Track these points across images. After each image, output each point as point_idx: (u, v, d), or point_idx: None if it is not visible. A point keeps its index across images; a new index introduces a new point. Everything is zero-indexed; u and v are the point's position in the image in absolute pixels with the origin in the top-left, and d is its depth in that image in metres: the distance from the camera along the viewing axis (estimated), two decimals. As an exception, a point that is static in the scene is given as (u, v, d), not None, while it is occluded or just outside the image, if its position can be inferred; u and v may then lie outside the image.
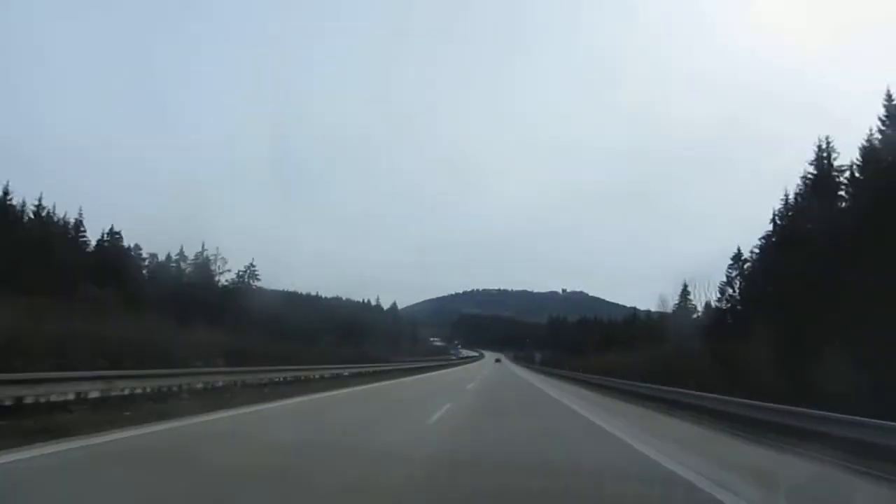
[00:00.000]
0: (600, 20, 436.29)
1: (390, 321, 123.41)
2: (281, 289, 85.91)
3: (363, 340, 72.69)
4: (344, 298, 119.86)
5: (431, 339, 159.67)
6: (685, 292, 66.10)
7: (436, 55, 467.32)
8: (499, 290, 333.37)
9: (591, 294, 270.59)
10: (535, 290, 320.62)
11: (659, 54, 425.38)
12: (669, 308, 75.12)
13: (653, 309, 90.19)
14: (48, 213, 46.10)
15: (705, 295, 64.18)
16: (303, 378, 25.98)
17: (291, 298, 64.70)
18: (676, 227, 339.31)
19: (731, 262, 46.72)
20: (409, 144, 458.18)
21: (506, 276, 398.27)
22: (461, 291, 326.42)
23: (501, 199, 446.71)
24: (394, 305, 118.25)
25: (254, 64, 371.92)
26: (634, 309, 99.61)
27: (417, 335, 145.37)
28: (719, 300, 47.67)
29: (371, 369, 39.48)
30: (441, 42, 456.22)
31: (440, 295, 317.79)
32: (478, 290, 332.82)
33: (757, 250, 36.54)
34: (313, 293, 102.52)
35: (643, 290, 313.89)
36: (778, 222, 32.97)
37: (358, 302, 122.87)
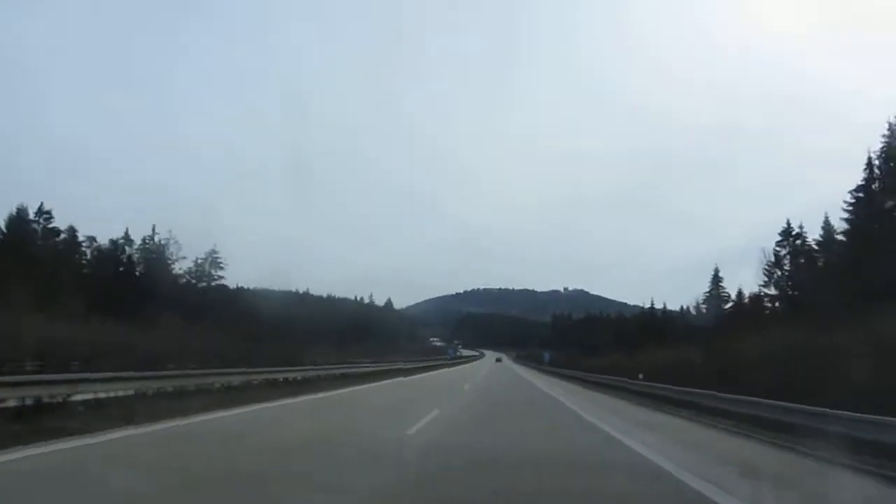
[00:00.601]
0: (596, 23, 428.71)
1: (388, 320, 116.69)
2: (270, 288, 79.87)
3: (354, 340, 65.89)
4: (337, 297, 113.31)
5: (431, 339, 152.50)
6: (717, 279, 58.99)
7: (436, 57, 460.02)
8: (501, 289, 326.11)
9: (591, 292, 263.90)
10: (538, 289, 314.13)
11: (657, 56, 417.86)
12: (697, 300, 68.27)
13: (674, 304, 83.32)
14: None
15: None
16: (268, 381, 21.40)
17: (269, 296, 57.33)
18: (674, 225, 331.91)
19: (779, 237, 39.70)
20: (412, 146, 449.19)
21: (508, 275, 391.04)
22: (463, 291, 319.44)
23: (503, 198, 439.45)
24: (389, 303, 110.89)
25: (257, 66, 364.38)
26: (649, 307, 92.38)
27: (416, 334, 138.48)
28: (765, 283, 40.95)
29: (357, 370, 33.50)
30: (442, 46, 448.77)
31: (442, 294, 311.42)
32: (480, 290, 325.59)
33: (848, 208, 28.91)
34: (302, 291, 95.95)
35: (642, 287, 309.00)
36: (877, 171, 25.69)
37: (352, 300, 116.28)
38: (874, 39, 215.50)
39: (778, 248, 38.57)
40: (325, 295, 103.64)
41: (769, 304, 38.00)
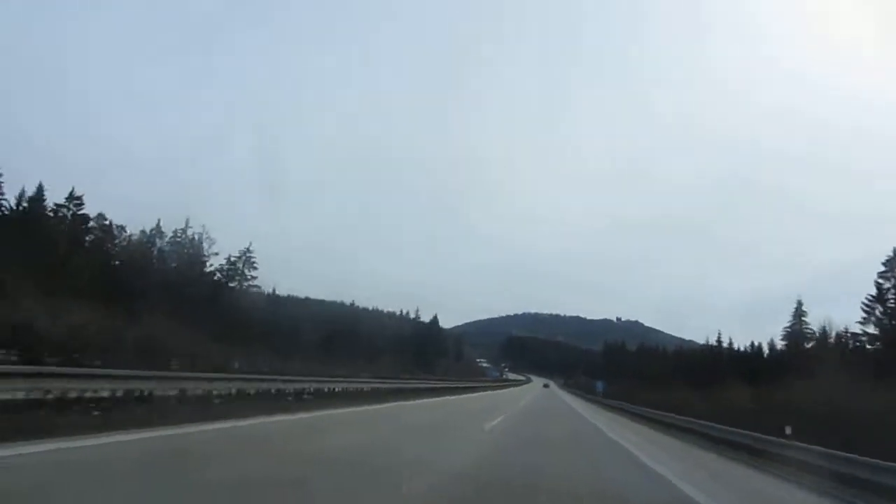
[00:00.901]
0: (662, 45, 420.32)
1: (433, 337, 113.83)
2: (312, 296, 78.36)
3: (390, 353, 63.23)
4: (385, 311, 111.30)
5: (478, 360, 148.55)
6: (800, 313, 53.05)
7: (489, 76, 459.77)
8: (551, 314, 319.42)
9: (646, 324, 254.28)
10: (589, 317, 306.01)
11: (730, 79, 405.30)
12: (773, 337, 62.03)
13: (741, 342, 77.32)
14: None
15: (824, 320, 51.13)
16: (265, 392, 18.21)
17: (305, 304, 55.25)
18: (735, 260, 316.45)
19: (883, 268, 34.45)
20: (462, 166, 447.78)
21: (559, 300, 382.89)
22: (513, 314, 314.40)
23: (557, 223, 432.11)
24: (435, 320, 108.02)
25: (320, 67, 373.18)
26: (714, 342, 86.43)
27: (462, 354, 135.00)
28: (864, 320, 35.65)
29: (387, 386, 30.74)
30: (495, 65, 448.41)
31: (491, 316, 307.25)
32: (530, 314, 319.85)
33: None
34: (348, 302, 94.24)
35: (703, 322, 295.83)
36: None
37: (397, 315, 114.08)
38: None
39: (881, 280, 33.70)
40: (371, 307, 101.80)
41: (867, 344, 33.14)
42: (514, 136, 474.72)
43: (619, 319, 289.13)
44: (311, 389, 20.45)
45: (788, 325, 52.93)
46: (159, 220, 43.26)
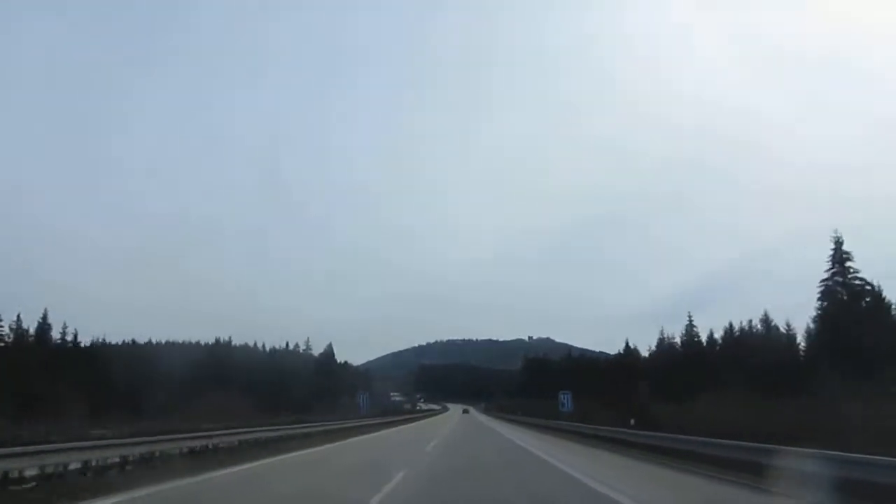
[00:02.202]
0: (564, 61, 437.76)
1: (334, 374, 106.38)
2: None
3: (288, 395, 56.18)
4: (292, 348, 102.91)
5: (392, 393, 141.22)
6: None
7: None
8: (463, 339, 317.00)
9: (557, 340, 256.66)
10: (501, 339, 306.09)
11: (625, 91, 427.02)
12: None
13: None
14: None
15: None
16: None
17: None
18: (635, 272, 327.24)
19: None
20: (358, 200, 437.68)
21: (469, 326, 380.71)
22: (425, 343, 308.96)
23: (461, 251, 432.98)
24: (331, 352, 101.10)
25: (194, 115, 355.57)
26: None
27: (371, 388, 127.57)
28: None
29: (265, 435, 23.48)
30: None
31: (403, 348, 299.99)
32: (441, 342, 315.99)
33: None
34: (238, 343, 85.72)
35: (607, 334, 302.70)
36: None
37: (299, 353, 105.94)
38: None
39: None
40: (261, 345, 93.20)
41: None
42: (412, 166, 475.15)
43: (530, 338, 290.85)
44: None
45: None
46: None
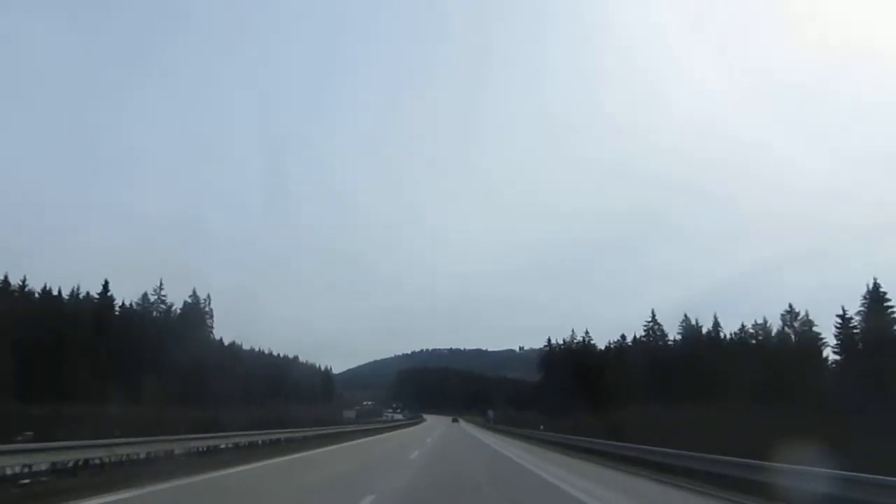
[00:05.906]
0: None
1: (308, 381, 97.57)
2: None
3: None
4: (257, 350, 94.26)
5: (365, 402, 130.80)
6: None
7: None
8: (451, 349, 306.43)
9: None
10: (491, 349, 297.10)
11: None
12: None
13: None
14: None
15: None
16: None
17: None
18: (626, 288, 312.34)
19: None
20: (345, 207, 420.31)
21: (458, 336, 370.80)
22: (409, 352, 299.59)
23: (452, 260, 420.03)
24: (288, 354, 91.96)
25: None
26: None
27: (345, 398, 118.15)
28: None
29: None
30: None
31: (385, 356, 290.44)
32: (427, 350, 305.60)
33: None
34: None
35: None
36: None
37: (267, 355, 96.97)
38: None
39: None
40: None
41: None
42: (402, 179, 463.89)
43: (521, 349, 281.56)
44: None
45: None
46: None
